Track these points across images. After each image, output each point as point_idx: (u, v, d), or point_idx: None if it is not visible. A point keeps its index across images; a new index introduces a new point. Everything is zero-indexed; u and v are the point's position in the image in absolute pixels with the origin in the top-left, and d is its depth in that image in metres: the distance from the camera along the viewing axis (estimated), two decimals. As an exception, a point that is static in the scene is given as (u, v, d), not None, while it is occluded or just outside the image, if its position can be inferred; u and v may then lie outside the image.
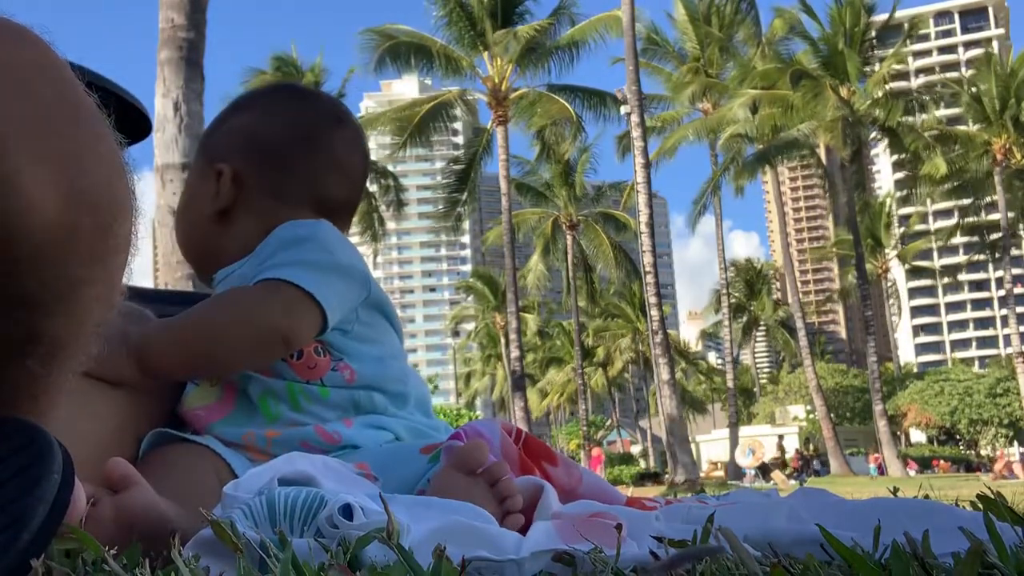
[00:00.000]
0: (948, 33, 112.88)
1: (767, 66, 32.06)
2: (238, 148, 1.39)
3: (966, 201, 40.37)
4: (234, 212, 1.38)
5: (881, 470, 29.79)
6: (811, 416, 42.22)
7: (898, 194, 56.03)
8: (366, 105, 33.29)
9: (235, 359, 1.26)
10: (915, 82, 67.86)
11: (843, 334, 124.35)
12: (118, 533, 0.90)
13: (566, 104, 27.34)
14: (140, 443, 1.24)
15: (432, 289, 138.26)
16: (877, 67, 32.92)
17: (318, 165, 1.41)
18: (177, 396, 1.31)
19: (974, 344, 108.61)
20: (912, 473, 28.39)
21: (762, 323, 59.61)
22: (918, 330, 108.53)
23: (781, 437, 34.09)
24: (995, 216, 39.97)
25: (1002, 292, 62.42)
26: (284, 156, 1.39)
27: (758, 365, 72.21)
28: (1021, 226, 38.79)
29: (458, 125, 37.14)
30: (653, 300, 20.10)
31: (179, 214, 1.47)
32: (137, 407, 1.23)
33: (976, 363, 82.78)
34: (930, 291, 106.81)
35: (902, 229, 55.84)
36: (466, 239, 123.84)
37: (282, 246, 1.29)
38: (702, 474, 26.63)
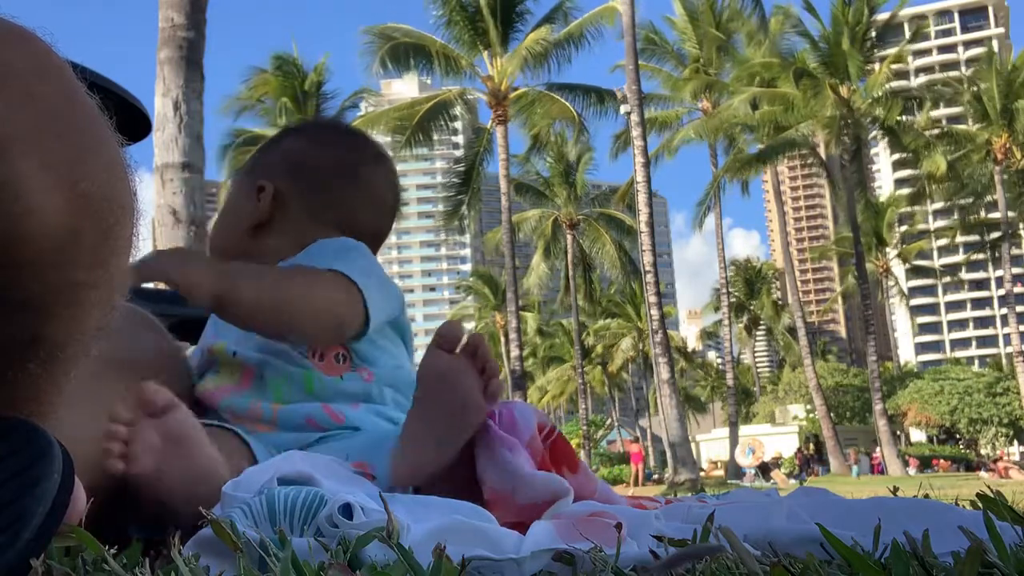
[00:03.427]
0: (948, 32, 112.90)
1: (768, 59, 32.05)
2: (284, 169, 1.48)
3: (966, 200, 40.36)
4: (270, 227, 1.46)
5: (880, 469, 29.77)
6: (811, 416, 42.21)
7: (898, 192, 56.03)
8: (365, 105, 33.41)
9: (303, 324, 1.30)
10: (915, 81, 67.84)
11: (843, 333, 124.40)
12: (166, 452, 0.99)
13: (567, 104, 27.32)
14: None
15: (432, 289, 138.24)
16: (877, 66, 32.91)
17: (356, 196, 1.51)
18: (187, 385, 1.35)
19: (974, 343, 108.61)
20: (912, 472, 28.37)
21: (762, 323, 59.60)
22: (918, 329, 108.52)
23: (779, 457, 33.98)
24: (995, 215, 39.97)
25: (1002, 291, 62.42)
26: (327, 183, 1.49)
27: (758, 365, 72.19)
28: (1021, 225, 38.77)
29: (458, 124, 37.02)
30: (653, 300, 20.10)
31: (216, 224, 1.54)
32: None
33: (976, 362, 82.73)
34: (930, 290, 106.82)
35: (903, 228, 55.79)
36: (466, 239, 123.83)
37: (338, 252, 1.37)
38: (702, 473, 26.63)
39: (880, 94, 31.20)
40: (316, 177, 1.49)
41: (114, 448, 1.00)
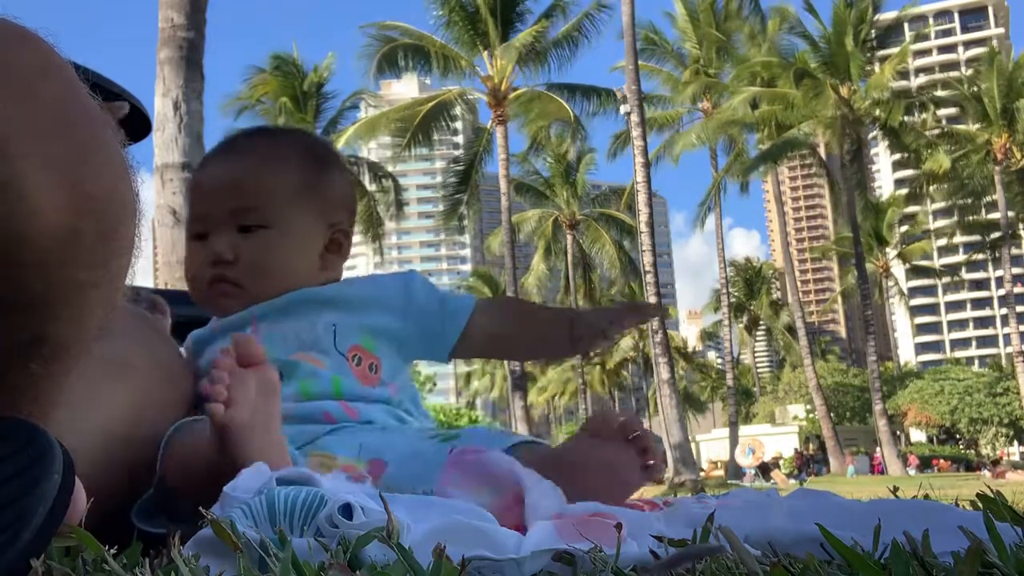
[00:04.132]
0: (948, 32, 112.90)
1: (768, 58, 32.04)
2: (347, 210, 1.56)
3: (966, 200, 40.33)
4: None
5: (881, 469, 29.77)
6: (811, 416, 42.20)
7: (898, 192, 56.00)
8: (365, 105, 33.43)
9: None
10: (915, 81, 67.83)
11: (843, 333, 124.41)
12: (258, 404, 1.05)
13: (564, 104, 27.32)
14: (154, 427, 1.25)
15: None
16: (877, 67, 32.89)
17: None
18: (188, 384, 1.35)
19: (974, 343, 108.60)
20: (912, 472, 28.36)
21: (762, 323, 59.59)
22: (918, 329, 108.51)
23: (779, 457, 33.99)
24: (995, 215, 39.97)
25: (1002, 291, 62.42)
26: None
27: (758, 365, 72.20)
28: (1021, 225, 38.77)
29: (458, 124, 37.07)
30: (653, 300, 20.09)
31: (283, 253, 1.51)
32: (150, 394, 1.23)
33: (976, 362, 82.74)
34: (930, 290, 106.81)
35: (904, 228, 55.79)
36: (466, 239, 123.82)
37: (431, 287, 1.51)
38: (702, 474, 26.62)
39: (883, 95, 31.17)
40: (354, 217, 1.61)
41: (220, 392, 1.03)
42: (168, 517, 1.15)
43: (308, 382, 1.36)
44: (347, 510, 0.82)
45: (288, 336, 1.39)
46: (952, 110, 41.22)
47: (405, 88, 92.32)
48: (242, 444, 1.03)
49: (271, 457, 1.04)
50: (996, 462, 33.65)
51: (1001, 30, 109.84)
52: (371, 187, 30.26)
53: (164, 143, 6.36)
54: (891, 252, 53.57)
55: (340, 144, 28.95)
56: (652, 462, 1.13)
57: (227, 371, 1.04)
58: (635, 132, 20.76)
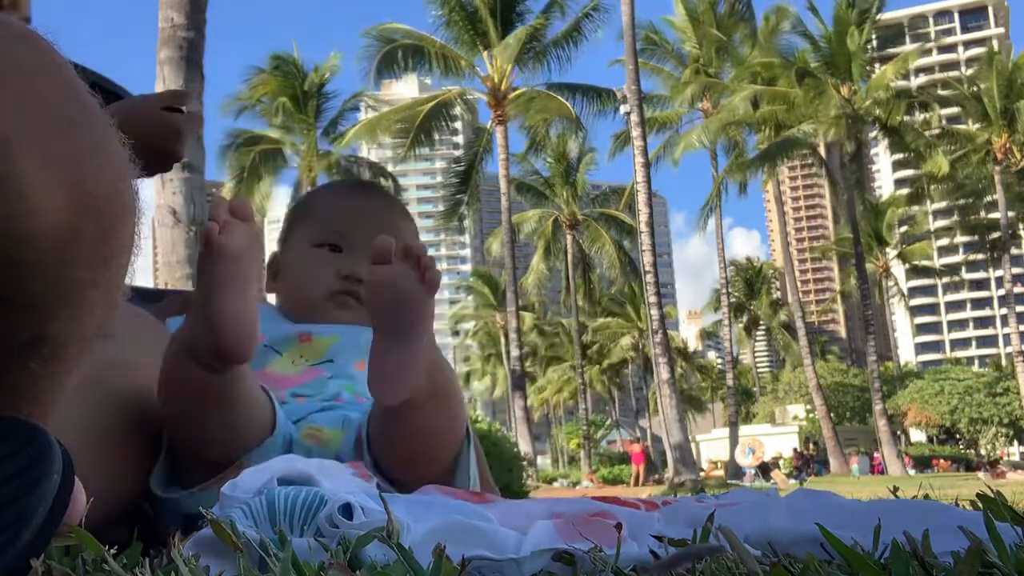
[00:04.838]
0: (948, 32, 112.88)
1: (767, 59, 32.04)
2: None
3: (966, 200, 40.33)
4: None
5: (881, 469, 29.77)
6: (811, 416, 42.18)
7: (898, 192, 55.99)
8: (365, 106, 33.42)
9: None
10: (915, 81, 67.83)
11: (843, 333, 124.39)
12: (248, 247, 1.10)
13: (564, 102, 27.30)
14: (157, 426, 1.26)
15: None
16: (878, 67, 32.89)
17: None
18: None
19: (974, 343, 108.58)
20: (911, 472, 28.36)
21: (762, 323, 59.56)
22: (918, 329, 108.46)
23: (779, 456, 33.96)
24: (995, 215, 39.98)
25: (1002, 291, 62.39)
26: None
27: (758, 365, 72.15)
28: (1021, 225, 38.77)
29: (458, 124, 37.08)
30: (653, 300, 20.10)
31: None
32: (152, 393, 1.24)
33: (976, 362, 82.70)
34: (930, 290, 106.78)
35: (904, 228, 55.78)
36: (466, 239, 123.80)
37: None
38: (702, 473, 26.61)
39: (885, 96, 31.14)
40: None
41: (220, 215, 1.08)
42: (180, 485, 1.20)
43: (342, 389, 1.41)
44: (347, 510, 0.82)
45: (363, 346, 1.44)
46: (952, 110, 41.25)
47: (405, 88, 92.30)
48: (229, 272, 1.07)
49: (248, 302, 1.10)
50: (994, 463, 33.64)
51: (1001, 30, 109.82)
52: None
53: (164, 143, 6.34)
54: (891, 252, 53.54)
55: (341, 145, 29.00)
56: (427, 271, 1.15)
57: (223, 211, 1.09)
58: (635, 132, 20.76)
